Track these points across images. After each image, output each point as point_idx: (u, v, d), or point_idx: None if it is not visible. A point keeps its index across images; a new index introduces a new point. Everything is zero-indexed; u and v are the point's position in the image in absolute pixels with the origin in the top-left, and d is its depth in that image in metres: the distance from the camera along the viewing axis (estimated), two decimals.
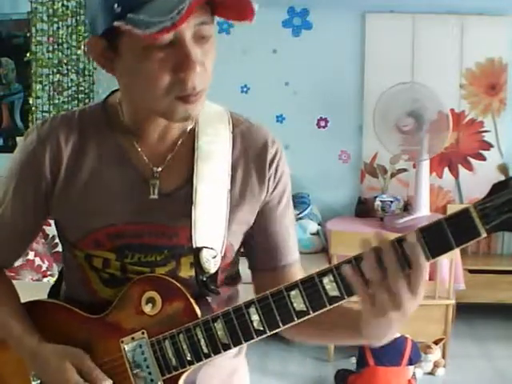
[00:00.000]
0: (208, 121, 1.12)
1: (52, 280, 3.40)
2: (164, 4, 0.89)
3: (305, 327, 1.06)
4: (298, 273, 1.18)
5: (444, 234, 0.87)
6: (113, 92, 1.14)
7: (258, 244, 1.17)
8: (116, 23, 0.92)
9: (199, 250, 1.07)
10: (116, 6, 0.92)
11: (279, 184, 1.15)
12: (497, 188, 0.85)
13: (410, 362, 3.16)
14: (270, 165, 1.13)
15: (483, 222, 0.84)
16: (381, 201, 4.39)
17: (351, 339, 1.08)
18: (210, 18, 0.96)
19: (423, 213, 4.05)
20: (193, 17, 0.90)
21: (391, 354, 3.07)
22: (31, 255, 3.49)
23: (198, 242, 1.07)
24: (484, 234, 0.85)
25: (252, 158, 1.13)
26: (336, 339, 1.18)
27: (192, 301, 1.05)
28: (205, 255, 1.07)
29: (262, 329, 0.98)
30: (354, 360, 3.31)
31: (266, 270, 1.18)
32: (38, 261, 3.54)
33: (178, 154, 1.10)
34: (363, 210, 4.48)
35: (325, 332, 1.11)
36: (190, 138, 1.11)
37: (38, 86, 4.02)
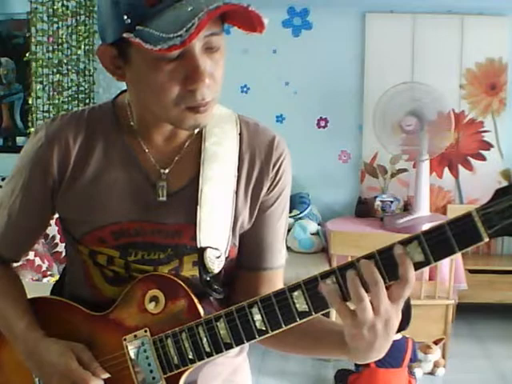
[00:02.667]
0: (215, 122, 1.12)
1: (52, 280, 3.41)
2: (173, 18, 0.90)
3: (288, 338, 1.07)
4: (279, 279, 1.19)
5: (446, 238, 0.88)
6: (122, 91, 1.15)
7: (245, 243, 1.17)
8: (125, 34, 0.92)
9: (203, 249, 1.07)
10: (125, 17, 0.93)
11: (277, 186, 1.15)
12: (500, 193, 0.86)
13: (409, 362, 3.17)
14: (274, 166, 1.14)
15: (486, 226, 0.85)
16: (381, 201, 4.39)
17: (335, 354, 1.07)
18: (219, 29, 0.97)
19: (423, 213, 4.05)
20: (202, 29, 0.90)
21: (393, 355, 3.07)
22: (31, 255, 3.49)
23: (202, 241, 1.08)
24: (486, 239, 0.86)
25: (258, 159, 1.13)
26: (319, 353, 1.18)
27: (195, 300, 1.06)
28: (209, 255, 1.07)
29: (264, 329, 0.99)
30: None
31: (249, 270, 1.18)
32: (38, 261, 3.54)
33: (185, 155, 1.11)
34: (363, 209, 4.48)
35: (308, 345, 1.11)
36: (197, 139, 1.12)
37: (38, 86, 4.01)
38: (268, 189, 1.14)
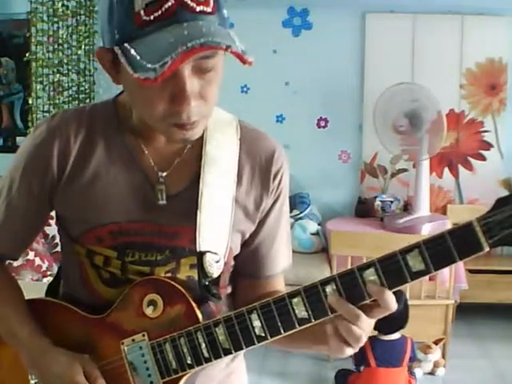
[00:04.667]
0: (217, 126, 1.12)
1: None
2: (155, 45, 0.89)
3: None
4: (279, 283, 1.20)
5: (447, 247, 0.88)
6: (123, 91, 1.14)
7: (244, 251, 1.17)
8: (115, 48, 0.93)
9: (203, 254, 1.07)
10: (116, 31, 0.93)
11: (279, 198, 1.16)
12: (500, 203, 0.86)
13: (409, 361, 3.17)
14: (274, 178, 1.14)
15: (486, 236, 0.86)
16: (381, 201, 4.39)
17: (315, 350, 1.10)
18: (213, 51, 0.93)
19: (423, 213, 4.05)
20: (175, 69, 0.89)
21: (393, 355, 3.07)
22: (31, 255, 3.49)
23: (201, 245, 1.07)
24: (487, 248, 0.87)
25: (258, 167, 1.13)
26: (300, 348, 1.19)
27: (194, 305, 1.05)
28: (208, 259, 1.07)
29: (263, 335, 0.99)
30: None
31: (249, 277, 1.19)
32: (38, 261, 3.53)
33: (185, 158, 1.11)
34: (363, 209, 4.48)
35: (291, 340, 1.09)
36: (198, 142, 1.10)
37: (38, 86, 4.01)
38: (268, 201, 1.14)
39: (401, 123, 4.06)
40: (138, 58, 0.89)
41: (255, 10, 4.42)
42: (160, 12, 0.89)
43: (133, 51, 0.90)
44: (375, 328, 3.50)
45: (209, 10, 0.92)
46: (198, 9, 0.91)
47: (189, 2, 0.90)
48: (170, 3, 0.89)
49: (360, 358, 3.10)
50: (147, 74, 0.87)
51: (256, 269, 1.18)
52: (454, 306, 3.69)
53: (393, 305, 0.93)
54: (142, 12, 0.90)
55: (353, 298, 0.94)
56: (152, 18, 0.90)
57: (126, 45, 0.91)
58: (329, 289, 0.94)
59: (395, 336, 3.09)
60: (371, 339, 3.07)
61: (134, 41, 0.91)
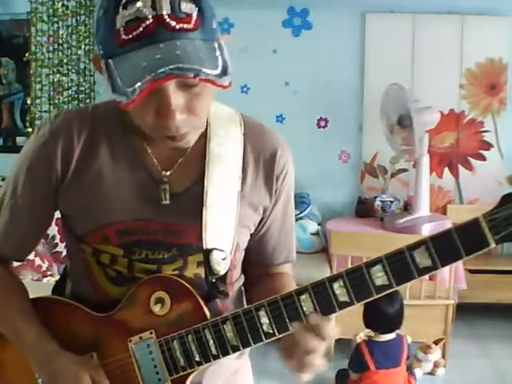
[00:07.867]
0: (219, 123, 1.12)
1: (52, 280, 3.40)
2: (132, 67, 0.88)
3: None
4: (284, 273, 1.22)
5: (454, 243, 0.89)
6: None
7: (249, 243, 1.18)
8: (102, 61, 0.93)
9: (209, 251, 1.07)
10: (100, 46, 0.94)
11: (282, 194, 1.16)
12: (506, 199, 0.87)
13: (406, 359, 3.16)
14: (278, 178, 1.14)
15: (492, 232, 0.87)
16: (381, 201, 4.39)
17: None
18: None
19: (423, 213, 4.05)
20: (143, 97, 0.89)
21: (390, 356, 3.05)
22: (31, 255, 3.48)
23: (208, 243, 1.07)
24: (493, 245, 0.88)
25: (262, 164, 1.14)
26: None
27: (201, 302, 1.06)
28: (215, 257, 1.07)
29: (271, 331, 1.00)
30: None
31: (255, 265, 1.22)
32: (38, 261, 3.53)
33: (189, 156, 1.10)
34: (363, 209, 4.48)
35: None
36: (201, 140, 1.10)
37: (38, 86, 4.01)
38: (272, 199, 1.15)
39: (390, 122, 4.07)
40: (117, 78, 0.89)
41: (255, 10, 4.42)
42: (138, 31, 0.88)
43: (113, 69, 0.90)
44: (371, 328, 3.44)
45: (190, 26, 0.90)
46: (178, 26, 0.89)
47: (168, 20, 0.88)
48: (148, 21, 0.88)
49: (357, 364, 3.07)
50: (121, 98, 0.88)
51: (260, 258, 1.21)
52: (454, 306, 3.69)
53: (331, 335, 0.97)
54: (122, 30, 0.89)
55: (360, 295, 0.94)
56: (130, 36, 0.89)
57: (109, 60, 0.91)
58: (336, 285, 0.95)
59: (391, 336, 3.07)
60: (368, 343, 3.05)
61: (115, 58, 0.91)
